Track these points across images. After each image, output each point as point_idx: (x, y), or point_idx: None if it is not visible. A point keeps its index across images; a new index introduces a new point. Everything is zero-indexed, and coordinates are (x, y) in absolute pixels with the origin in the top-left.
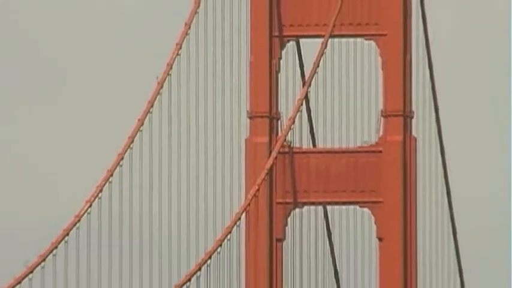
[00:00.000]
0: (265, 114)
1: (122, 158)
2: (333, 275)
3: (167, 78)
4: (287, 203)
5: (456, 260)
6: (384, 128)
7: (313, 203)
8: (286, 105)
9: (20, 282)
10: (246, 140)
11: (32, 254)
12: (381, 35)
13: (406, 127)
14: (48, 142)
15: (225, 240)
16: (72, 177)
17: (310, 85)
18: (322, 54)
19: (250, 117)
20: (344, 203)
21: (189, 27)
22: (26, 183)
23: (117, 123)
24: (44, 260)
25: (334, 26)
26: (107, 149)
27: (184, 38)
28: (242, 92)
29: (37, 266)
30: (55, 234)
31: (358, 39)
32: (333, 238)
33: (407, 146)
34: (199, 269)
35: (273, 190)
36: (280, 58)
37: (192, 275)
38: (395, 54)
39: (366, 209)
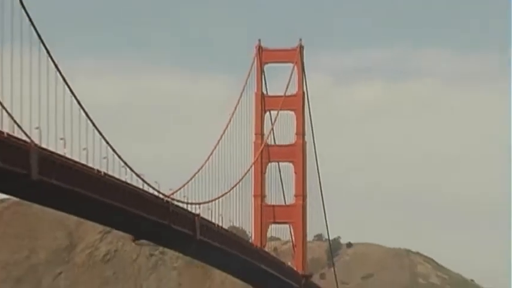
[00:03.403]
0: (259, 133)
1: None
2: (281, 186)
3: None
4: (266, 161)
5: (319, 187)
6: (295, 137)
7: (275, 161)
8: (266, 131)
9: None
10: (253, 142)
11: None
12: (295, 109)
13: (303, 138)
14: None
15: (247, 174)
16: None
17: (274, 123)
18: (277, 115)
19: (255, 134)
20: (284, 161)
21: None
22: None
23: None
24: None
25: (281, 106)
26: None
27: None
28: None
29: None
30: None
31: (289, 112)
32: (281, 173)
33: (303, 144)
34: (236, 185)
35: (262, 156)
36: (263, 117)
37: (232, 188)
38: (300, 124)
39: (291, 164)
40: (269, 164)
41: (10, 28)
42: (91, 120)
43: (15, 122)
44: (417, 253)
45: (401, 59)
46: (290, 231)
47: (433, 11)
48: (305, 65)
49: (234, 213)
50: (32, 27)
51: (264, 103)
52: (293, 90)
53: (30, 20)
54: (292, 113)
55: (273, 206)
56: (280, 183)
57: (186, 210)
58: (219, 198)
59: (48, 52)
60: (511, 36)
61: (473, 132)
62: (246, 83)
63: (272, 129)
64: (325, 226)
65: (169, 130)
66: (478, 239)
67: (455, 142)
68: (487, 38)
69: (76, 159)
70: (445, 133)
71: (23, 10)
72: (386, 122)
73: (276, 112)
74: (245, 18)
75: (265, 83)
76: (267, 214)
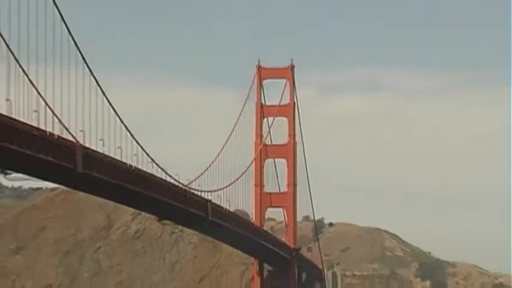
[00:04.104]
0: (259, 135)
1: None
2: (276, 177)
3: (238, 122)
4: (264, 157)
5: (307, 178)
6: (288, 138)
7: (271, 158)
8: (264, 133)
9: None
10: (254, 142)
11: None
12: (287, 116)
13: (294, 138)
14: None
15: (249, 168)
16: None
17: (270, 127)
18: (273, 121)
19: (256, 136)
20: (279, 158)
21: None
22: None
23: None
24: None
25: (276, 113)
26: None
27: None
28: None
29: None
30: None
31: (283, 118)
32: (276, 167)
33: (294, 144)
34: (240, 176)
35: (261, 154)
36: (262, 122)
37: (237, 179)
38: (292, 128)
39: (284, 160)
40: (267, 159)
41: (60, 52)
42: (124, 125)
43: (64, 126)
44: (385, 231)
45: (372, 76)
46: (283, 213)
47: (397, 38)
48: (295, 80)
49: (238, 199)
50: (78, 52)
51: (263, 111)
52: (286, 100)
53: (77, 46)
54: (285, 119)
55: (270, 193)
56: (275, 175)
57: (200, 196)
58: (226, 187)
59: (90, 71)
60: None
61: (429, 135)
62: (248, 95)
63: (269, 132)
64: (311, 209)
65: (186, 132)
66: (433, 219)
67: (415, 143)
68: (442, 59)
69: (112, 155)
70: (406, 135)
71: (71, 40)
72: (360, 126)
73: (272, 118)
74: (247, 42)
75: (264, 95)
76: (264, 200)
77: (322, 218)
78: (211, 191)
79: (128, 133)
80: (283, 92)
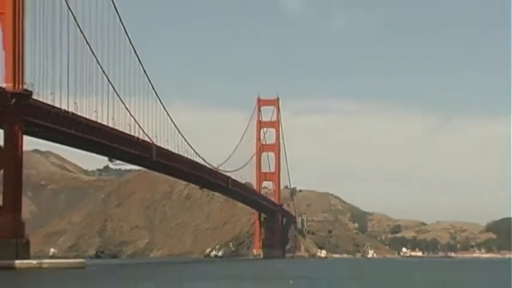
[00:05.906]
0: (258, 138)
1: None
2: (268, 163)
3: (246, 131)
4: (261, 152)
5: (286, 164)
6: (275, 141)
7: (265, 152)
8: (261, 137)
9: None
10: (255, 143)
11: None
12: (275, 128)
13: (279, 141)
14: None
15: (252, 158)
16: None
17: (265, 134)
18: (266, 131)
19: (256, 139)
20: (270, 152)
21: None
22: None
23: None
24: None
25: (268, 126)
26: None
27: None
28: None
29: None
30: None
31: (272, 129)
32: (268, 157)
33: (279, 144)
34: (247, 163)
35: (259, 150)
36: (260, 131)
37: (245, 164)
38: (277, 135)
39: (273, 153)
40: (263, 153)
41: (143, 89)
42: (180, 133)
43: (145, 133)
44: (331, 194)
45: (324, 104)
46: (272, 184)
47: (340, 78)
48: (280, 106)
49: (246, 176)
50: (153, 91)
51: (260, 125)
52: (274, 119)
53: (153, 87)
54: (273, 129)
55: (265, 173)
56: (268, 162)
57: (224, 174)
58: (239, 169)
59: (160, 101)
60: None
61: (360, 138)
62: (252, 116)
63: (264, 137)
64: (289, 182)
65: (213, 138)
66: (359, 186)
67: (351, 142)
68: (368, 93)
69: (174, 150)
70: (346, 138)
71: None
72: (318, 133)
73: (266, 129)
74: (249, 83)
75: (261, 116)
76: (261, 176)
77: (295, 187)
78: (230, 171)
79: (182, 138)
80: (273, 114)
